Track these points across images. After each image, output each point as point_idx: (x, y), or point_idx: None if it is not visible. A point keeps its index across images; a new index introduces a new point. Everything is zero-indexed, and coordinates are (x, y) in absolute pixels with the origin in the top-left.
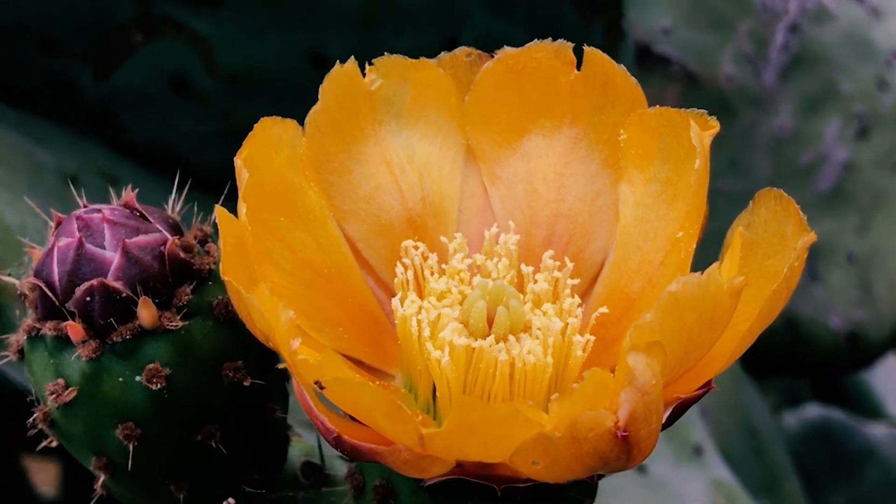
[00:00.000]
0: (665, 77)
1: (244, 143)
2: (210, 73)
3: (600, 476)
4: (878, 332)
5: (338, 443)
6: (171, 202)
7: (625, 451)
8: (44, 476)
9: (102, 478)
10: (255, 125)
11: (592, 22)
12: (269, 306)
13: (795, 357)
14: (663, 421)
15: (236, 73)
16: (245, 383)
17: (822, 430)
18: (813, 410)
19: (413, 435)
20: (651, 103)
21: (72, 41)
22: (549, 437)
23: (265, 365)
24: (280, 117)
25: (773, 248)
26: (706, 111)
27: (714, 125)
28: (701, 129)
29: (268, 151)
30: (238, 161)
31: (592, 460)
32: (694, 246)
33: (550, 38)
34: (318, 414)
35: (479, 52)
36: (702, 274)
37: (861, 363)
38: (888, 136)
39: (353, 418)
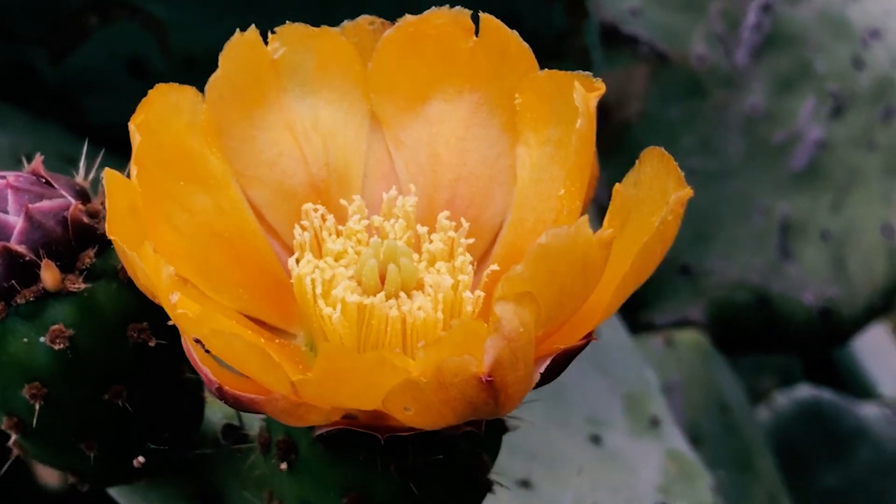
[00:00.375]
0: (634, 57)
1: (138, 107)
2: (166, 57)
3: (499, 432)
4: (851, 308)
5: (220, 393)
6: (81, 169)
7: (492, 396)
8: (47, 469)
9: (14, 437)
10: (150, 91)
11: (553, 1)
12: (151, 262)
13: (768, 333)
14: (542, 370)
15: (193, 56)
16: (150, 344)
17: (814, 410)
18: (804, 391)
19: (285, 383)
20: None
21: (27, 25)
22: (416, 383)
23: (172, 326)
24: (178, 84)
25: (656, 205)
26: (591, 74)
27: (600, 87)
28: (586, 91)
29: (166, 116)
30: (132, 126)
31: (461, 406)
32: (579, 204)
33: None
34: (202, 365)
35: (381, 20)
36: (570, 227)
37: (835, 340)
38: (864, 114)
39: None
